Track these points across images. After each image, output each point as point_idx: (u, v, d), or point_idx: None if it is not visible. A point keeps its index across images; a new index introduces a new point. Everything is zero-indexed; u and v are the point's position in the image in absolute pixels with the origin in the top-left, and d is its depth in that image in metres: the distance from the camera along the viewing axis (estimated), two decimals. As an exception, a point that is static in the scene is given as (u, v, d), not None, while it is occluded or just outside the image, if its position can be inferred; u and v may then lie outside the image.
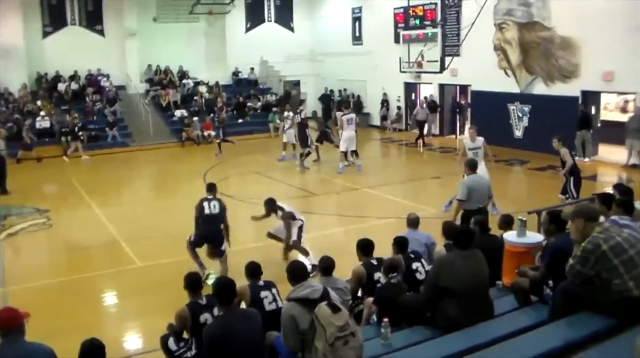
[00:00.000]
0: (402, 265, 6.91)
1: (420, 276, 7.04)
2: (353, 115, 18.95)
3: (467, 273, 5.68)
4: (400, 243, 7.46)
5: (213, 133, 26.27)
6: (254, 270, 6.59)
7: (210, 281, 8.83)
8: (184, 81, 30.20)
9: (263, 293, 6.32)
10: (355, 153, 18.82)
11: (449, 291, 5.65)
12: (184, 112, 27.47)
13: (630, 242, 5.06)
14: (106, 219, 14.29)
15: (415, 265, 7.15)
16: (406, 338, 5.75)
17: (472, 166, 10.27)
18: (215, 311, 5.98)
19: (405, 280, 6.92)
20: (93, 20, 28.98)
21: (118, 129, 25.54)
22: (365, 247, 7.30)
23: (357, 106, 29.58)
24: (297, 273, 5.56)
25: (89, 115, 25.97)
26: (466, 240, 5.93)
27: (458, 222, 9.52)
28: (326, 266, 6.95)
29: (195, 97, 29.09)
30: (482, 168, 12.86)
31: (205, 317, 6.02)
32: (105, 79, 28.71)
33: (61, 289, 10.21)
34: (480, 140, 13.73)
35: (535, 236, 8.09)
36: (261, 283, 6.48)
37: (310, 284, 5.44)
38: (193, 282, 6.29)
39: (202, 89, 29.92)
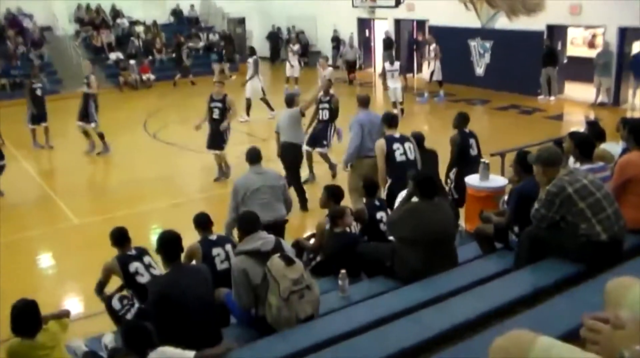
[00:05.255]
0: (365, 214, 7.02)
1: (384, 227, 7.06)
2: (397, 64, 18.67)
3: (432, 224, 5.72)
4: (369, 188, 7.46)
5: (152, 77, 25.88)
6: (203, 221, 6.50)
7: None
8: (118, 21, 29.26)
9: (215, 251, 6.21)
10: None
11: (412, 241, 5.70)
12: (120, 55, 26.83)
13: (597, 185, 5.12)
14: (36, 173, 13.98)
15: (379, 215, 7.11)
16: (365, 290, 5.82)
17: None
18: (146, 260, 6.21)
19: (367, 229, 6.98)
20: (10, -48, 27.74)
21: (46, 74, 24.78)
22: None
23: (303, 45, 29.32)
24: (247, 224, 5.50)
25: (11, 60, 25.11)
26: (429, 188, 5.93)
27: None
28: (253, 155, 7.79)
29: (132, 38, 28.29)
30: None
31: (135, 266, 6.13)
32: (28, 19, 27.61)
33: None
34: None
35: (498, 180, 8.23)
36: (213, 237, 6.37)
37: (261, 236, 5.39)
38: (119, 236, 6.37)
39: (139, 29, 29.12)
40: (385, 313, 4.83)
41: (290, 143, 10.66)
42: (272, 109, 18.34)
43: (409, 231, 5.74)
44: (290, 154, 10.37)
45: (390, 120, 8.79)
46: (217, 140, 12.54)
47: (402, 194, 7.01)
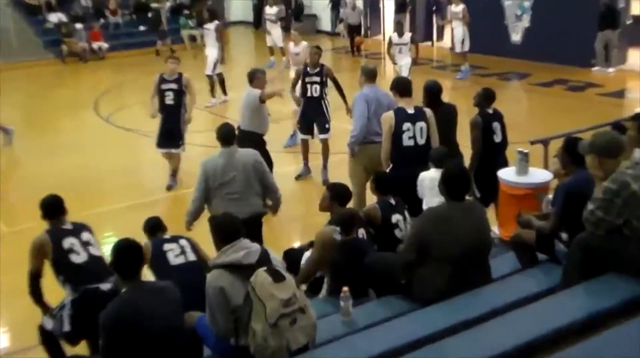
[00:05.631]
0: (377, 216, 7.03)
1: (401, 233, 7.01)
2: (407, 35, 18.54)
3: (464, 233, 5.62)
4: (382, 183, 7.42)
5: (105, 45, 25.79)
6: (153, 225, 6.84)
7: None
8: (61, -26, 29.34)
9: (167, 246, 6.43)
10: None
11: (437, 255, 5.61)
12: (62, 17, 26.76)
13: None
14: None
15: (395, 218, 7.07)
16: (373, 313, 5.79)
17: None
18: (84, 236, 6.42)
19: (379, 235, 6.94)
20: None
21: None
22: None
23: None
24: (224, 230, 5.45)
25: None
26: (460, 186, 5.85)
27: None
28: (224, 134, 8.16)
29: (78, -4, 28.38)
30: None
31: (70, 241, 6.30)
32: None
33: None
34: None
35: (541, 174, 8.20)
36: (166, 236, 6.69)
37: (244, 244, 5.34)
38: (51, 206, 6.60)
39: (88, -16, 29.12)
40: (398, 343, 4.81)
41: (246, 131, 10.51)
42: (213, 96, 18.34)
43: (434, 246, 5.62)
44: (245, 145, 10.04)
45: (403, 87, 8.70)
46: (170, 135, 12.06)
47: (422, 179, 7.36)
